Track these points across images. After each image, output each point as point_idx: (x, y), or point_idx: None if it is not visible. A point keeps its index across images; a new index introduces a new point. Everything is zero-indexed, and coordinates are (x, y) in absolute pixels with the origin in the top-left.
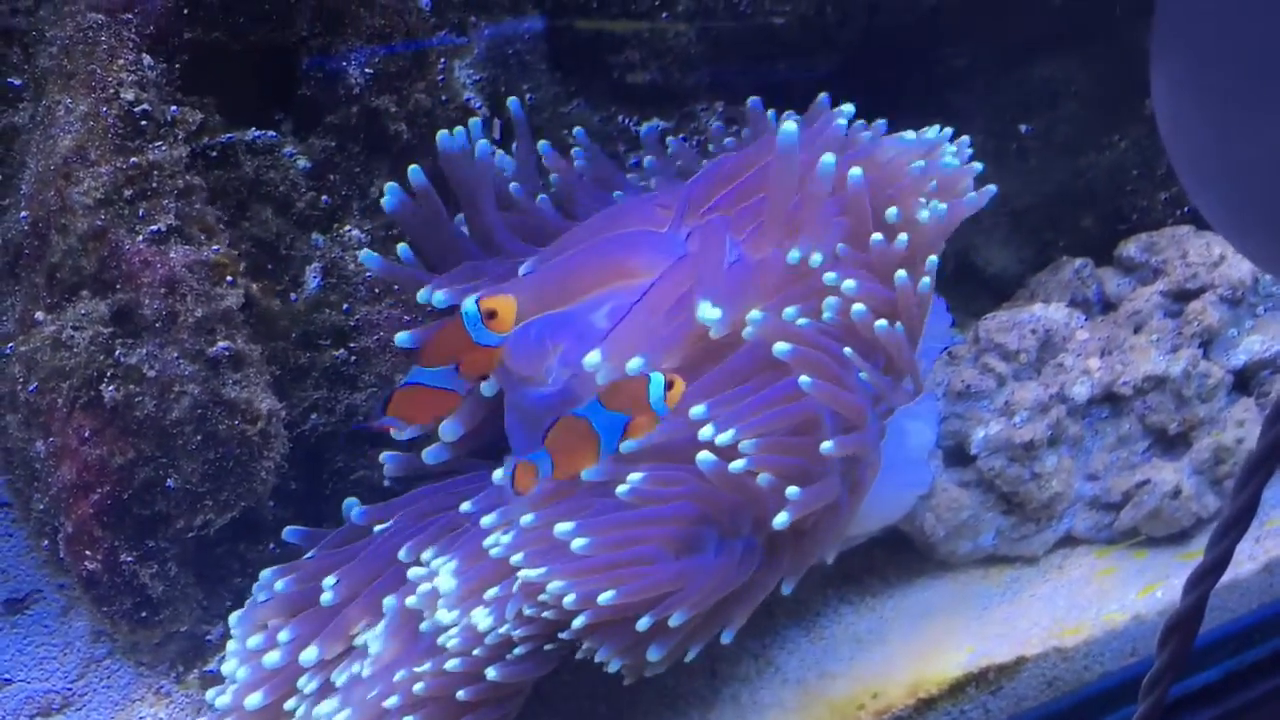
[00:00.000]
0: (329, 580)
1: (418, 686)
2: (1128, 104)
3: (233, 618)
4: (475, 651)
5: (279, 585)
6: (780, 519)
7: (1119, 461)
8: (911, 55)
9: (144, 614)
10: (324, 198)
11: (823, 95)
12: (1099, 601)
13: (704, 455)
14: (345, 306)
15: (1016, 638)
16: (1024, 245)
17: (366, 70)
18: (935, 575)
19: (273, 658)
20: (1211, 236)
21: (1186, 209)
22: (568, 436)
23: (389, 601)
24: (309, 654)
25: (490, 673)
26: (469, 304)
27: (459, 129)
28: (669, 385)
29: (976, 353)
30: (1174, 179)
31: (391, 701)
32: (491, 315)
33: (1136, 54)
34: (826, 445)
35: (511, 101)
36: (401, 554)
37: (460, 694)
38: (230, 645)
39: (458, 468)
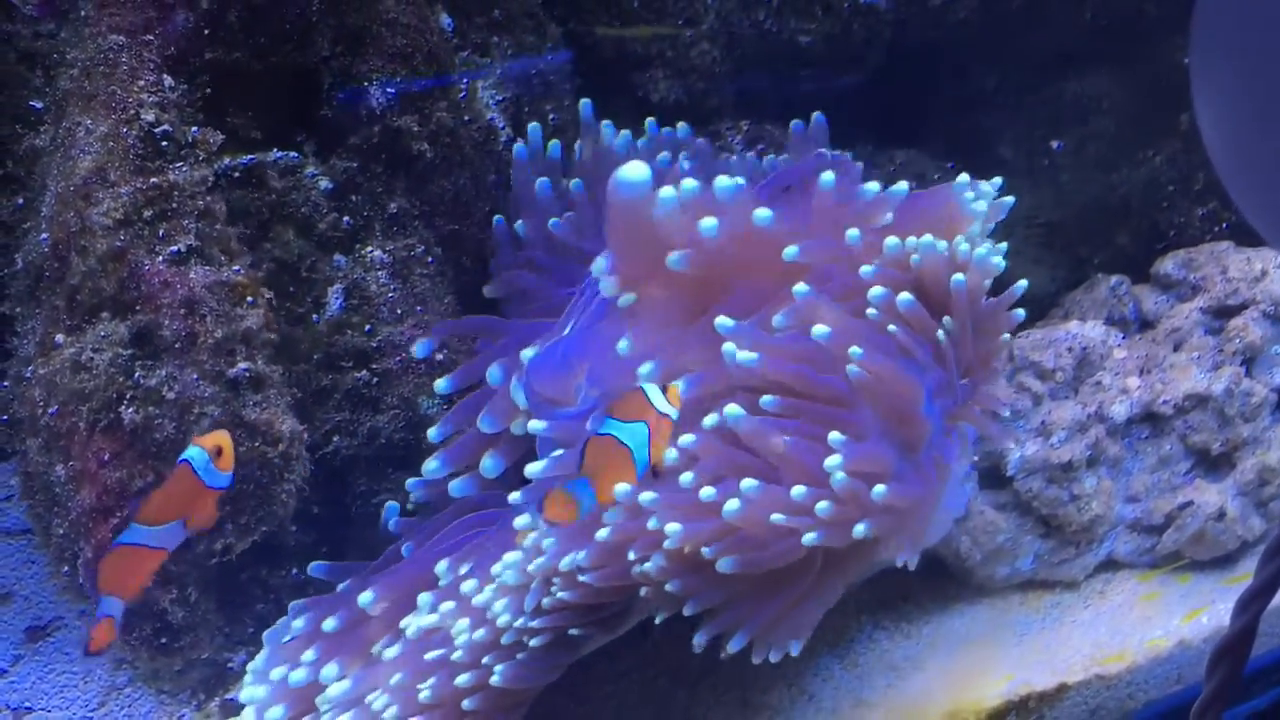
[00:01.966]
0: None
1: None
2: (1161, 119)
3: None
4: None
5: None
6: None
7: (1160, 483)
8: (939, 72)
9: (164, 641)
10: (346, 219)
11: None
12: (1142, 627)
13: (732, 409)
14: (367, 328)
15: (1057, 665)
16: (1057, 263)
17: (388, 90)
18: (972, 601)
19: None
20: (1253, 252)
21: (1225, 224)
22: (603, 457)
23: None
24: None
25: (497, 671)
26: (193, 449)
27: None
28: (664, 389)
29: (1011, 371)
30: (1211, 194)
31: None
32: (219, 453)
33: (1169, 69)
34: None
35: (532, 127)
36: (439, 568)
37: (493, 679)
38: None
39: (483, 501)
